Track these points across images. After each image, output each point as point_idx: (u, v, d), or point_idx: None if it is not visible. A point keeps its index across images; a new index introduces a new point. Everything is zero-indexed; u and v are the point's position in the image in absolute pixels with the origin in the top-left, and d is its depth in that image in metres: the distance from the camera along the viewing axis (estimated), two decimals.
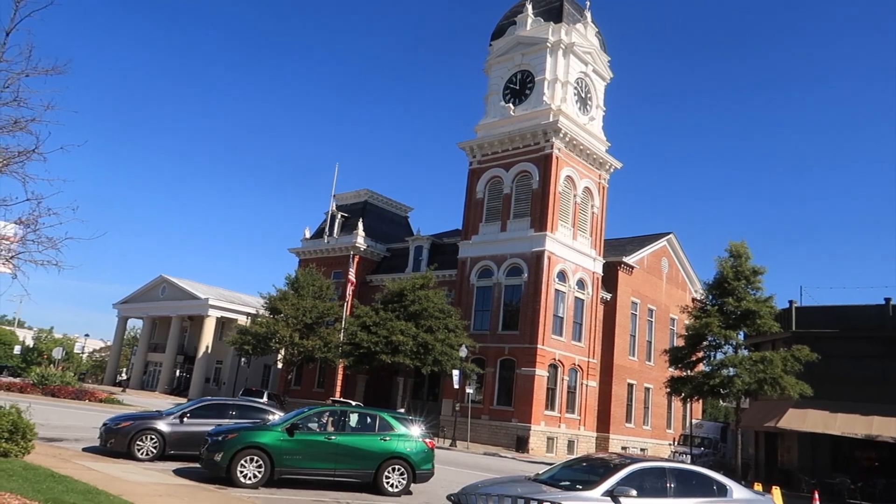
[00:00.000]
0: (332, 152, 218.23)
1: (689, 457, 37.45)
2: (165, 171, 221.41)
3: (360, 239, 55.37)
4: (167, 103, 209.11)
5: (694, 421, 46.37)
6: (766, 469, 35.42)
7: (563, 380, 42.84)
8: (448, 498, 9.85)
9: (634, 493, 9.42)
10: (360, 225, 56.04)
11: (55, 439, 17.81)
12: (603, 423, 45.65)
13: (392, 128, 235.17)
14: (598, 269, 46.84)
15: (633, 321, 50.08)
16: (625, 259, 48.96)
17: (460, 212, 48.56)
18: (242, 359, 52.63)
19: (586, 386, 44.64)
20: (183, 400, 53.00)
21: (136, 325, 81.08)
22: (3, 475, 9.80)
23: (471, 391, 39.28)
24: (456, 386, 38.65)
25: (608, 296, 47.83)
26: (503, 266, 44.31)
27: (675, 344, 45.80)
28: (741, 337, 32.57)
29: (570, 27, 46.40)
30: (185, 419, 16.65)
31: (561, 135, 43.66)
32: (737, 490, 10.56)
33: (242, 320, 61.39)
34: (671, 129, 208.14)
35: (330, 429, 14.50)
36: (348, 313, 46.49)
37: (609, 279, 48.03)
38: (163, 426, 16.33)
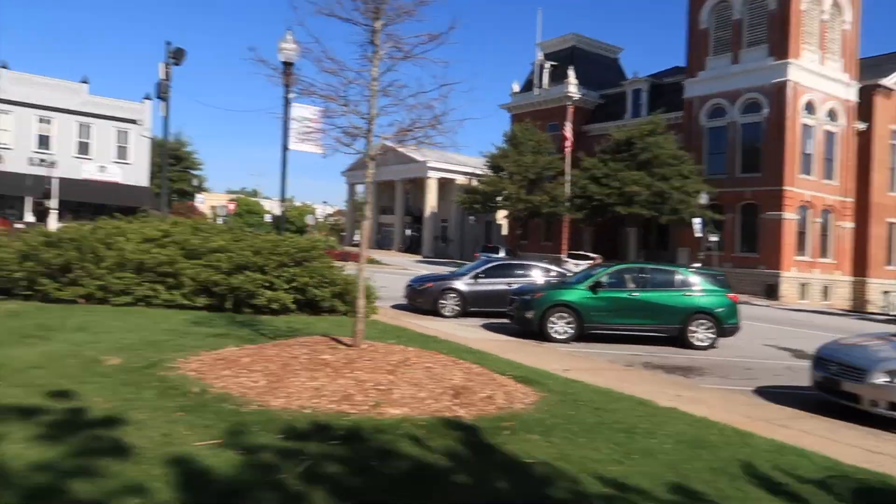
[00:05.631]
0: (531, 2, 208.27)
1: None
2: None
3: (573, 87, 53.36)
4: None
5: None
6: None
7: (814, 222, 39.70)
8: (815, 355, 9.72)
9: None
10: (571, 72, 53.73)
11: None
12: (860, 267, 42.08)
13: None
14: (852, 95, 41.32)
15: (893, 152, 44.13)
16: (881, 81, 42.35)
17: (677, 48, 45.27)
18: (471, 217, 54.96)
19: (841, 227, 41.02)
20: (418, 256, 57.41)
21: (363, 189, 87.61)
22: (386, 332, 11.30)
23: (714, 238, 37.80)
24: (698, 234, 37.43)
25: (863, 126, 42.29)
26: (738, 102, 40.69)
27: None
28: None
29: None
30: (478, 279, 17.92)
31: None
32: None
33: (461, 180, 63.60)
34: None
35: (631, 286, 14.78)
36: (570, 166, 46.07)
37: (864, 106, 42.20)
38: (461, 286, 17.70)
